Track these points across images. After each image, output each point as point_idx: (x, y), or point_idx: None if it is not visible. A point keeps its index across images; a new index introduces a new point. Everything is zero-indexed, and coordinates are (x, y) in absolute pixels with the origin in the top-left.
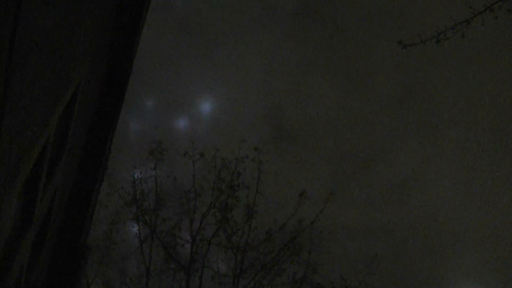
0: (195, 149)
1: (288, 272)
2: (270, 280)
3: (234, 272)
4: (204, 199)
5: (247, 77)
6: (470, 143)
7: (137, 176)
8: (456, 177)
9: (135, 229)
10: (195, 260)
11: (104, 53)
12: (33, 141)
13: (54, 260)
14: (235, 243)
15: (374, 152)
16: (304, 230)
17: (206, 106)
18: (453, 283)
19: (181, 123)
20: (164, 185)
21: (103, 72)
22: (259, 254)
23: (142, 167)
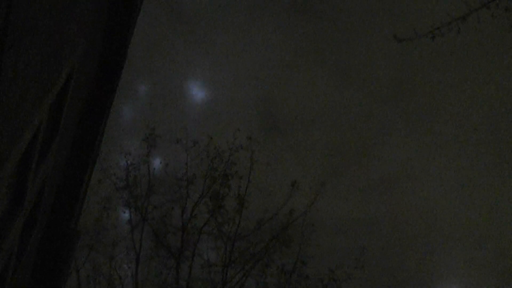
0: (188, 136)
1: (278, 263)
2: (259, 271)
3: (223, 261)
4: (196, 187)
5: (239, 67)
6: (461, 138)
7: (130, 162)
8: (446, 173)
9: (126, 215)
10: (185, 248)
11: (99, 38)
12: (25, 125)
13: (44, 243)
14: (225, 232)
15: (365, 145)
16: (295, 221)
17: (198, 95)
18: (440, 277)
19: (174, 111)
20: (157, 172)
21: (97, 58)
22: (249, 244)
23: (134, 153)
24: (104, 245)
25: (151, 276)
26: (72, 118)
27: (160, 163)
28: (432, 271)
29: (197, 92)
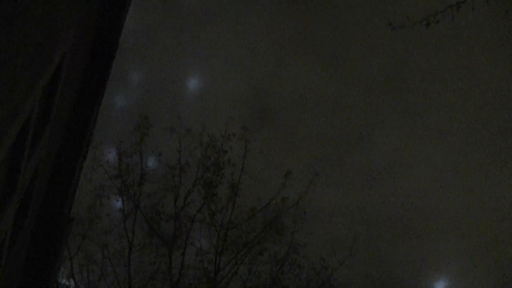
0: (181, 125)
1: (270, 251)
2: (252, 259)
3: (216, 249)
4: (189, 175)
5: (232, 57)
6: (452, 129)
7: (122, 150)
8: (437, 163)
9: (119, 203)
10: (178, 236)
11: (91, 25)
12: (17, 111)
13: (37, 231)
14: (218, 220)
15: (356, 135)
16: (288, 209)
17: (190, 85)
18: (430, 265)
19: (167, 100)
20: (149, 160)
21: (89, 45)
22: (242, 233)
23: (127, 141)
24: (97, 234)
25: (144, 264)
26: (64, 105)
27: (153, 151)
28: (422, 259)
29: (190, 82)
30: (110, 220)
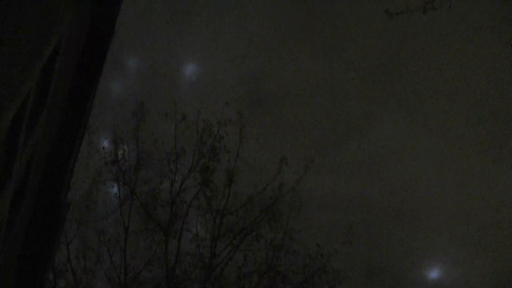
0: (177, 111)
1: (266, 237)
2: (248, 245)
3: (212, 235)
4: (185, 161)
5: (227, 45)
6: (449, 118)
7: (119, 136)
8: (433, 152)
9: (115, 189)
10: (174, 222)
11: (88, 9)
12: (13, 95)
13: (33, 217)
14: (214, 206)
15: (353, 123)
16: (284, 195)
17: (187, 71)
18: (424, 253)
19: (163, 86)
20: (145, 146)
21: (86, 29)
22: (238, 219)
23: (123, 127)
24: (93, 220)
25: (140, 250)
26: (61, 89)
27: (149, 137)
28: (416, 247)
29: (186, 69)
30: (107, 206)
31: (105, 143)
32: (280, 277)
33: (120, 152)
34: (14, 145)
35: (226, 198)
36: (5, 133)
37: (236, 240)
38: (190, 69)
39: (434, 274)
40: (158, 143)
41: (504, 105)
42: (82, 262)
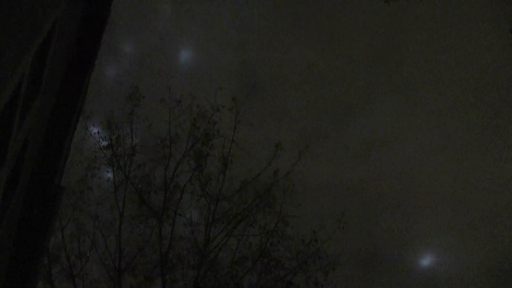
0: (171, 96)
1: (260, 223)
2: (242, 231)
3: (206, 220)
4: (180, 146)
5: (221, 31)
6: (443, 104)
7: (113, 121)
8: (428, 138)
9: (110, 174)
10: (168, 207)
11: None
12: (7, 78)
13: (28, 201)
14: (209, 192)
15: (347, 109)
16: (278, 181)
17: (181, 57)
18: (416, 239)
19: (157, 72)
20: (140, 131)
21: (81, 12)
22: (232, 205)
23: (118, 112)
24: (88, 204)
25: (135, 235)
26: (55, 73)
27: (143, 122)
28: (410, 233)
29: (181, 54)
30: (101, 191)
31: (100, 128)
32: (274, 262)
33: (114, 137)
34: (7, 130)
35: (221, 184)
36: None
37: (230, 225)
38: (185, 55)
39: (427, 260)
40: (152, 128)
41: (499, 91)
42: (76, 247)
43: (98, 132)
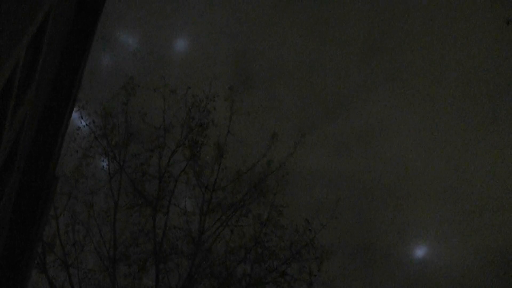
0: (166, 85)
1: (254, 212)
2: (236, 221)
3: (201, 210)
4: (174, 136)
5: (216, 22)
6: (438, 94)
7: (108, 110)
8: (421, 129)
9: (105, 163)
10: (162, 197)
11: None
12: (1, 64)
13: (22, 189)
14: (203, 182)
15: (342, 100)
16: (274, 171)
17: (176, 47)
18: (410, 229)
19: (152, 61)
20: (135, 120)
21: (75, 1)
22: (227, 194)
23: (113, 101)
24: (82, 194)
25: (129, 224)
26: (50, 60)
27: (138, 112)
28: (403, 223)
29: (176, 44)
30: (96, 180)
31: (95, 117)
32: (267, 252)
33: (109, 127)
34: (1, 118)
35: (216, 173)
36: None
37: (225, 215)
38: (180, 45)
39: (421, 249)
40: (147, 118)
41: (493, 80)
42: (71, 236)
43: (93, 121)
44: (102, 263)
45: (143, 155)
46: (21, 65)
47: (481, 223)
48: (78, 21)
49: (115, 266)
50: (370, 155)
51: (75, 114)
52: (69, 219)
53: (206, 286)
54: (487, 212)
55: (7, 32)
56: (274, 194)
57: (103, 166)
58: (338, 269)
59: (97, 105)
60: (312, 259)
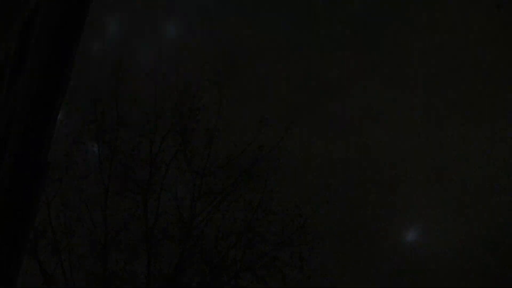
0: (156, 71)
1: (245, 198)
2: (227, 206)
3: (192, 196)
4: (165, 122)
5: (205, 7)
6: (430, 78)
7: (98, 95)
8: (413, 113)
9: (95, 149)
10: (153, 182)
11: None
12: None
13: (13, 176)
14: (194, 167)
15: (335, 85)
16: (263, 157)
17: (167, 32)
18: (402, 214)
19: (142, 46)
20: (125, 105)
21: None
22: (218, 180)
23: (103, 87)
24: (73, 179)
25: (120, 210)
26: (41, 47)
27: (129, 96)
28: (395, 207)
29: (166, 29)
30: (87, 166)
31: (85, 101)
32: (258, 237)
33: (99, 111)
34: None
35: (206, 159)
36: None
37: (216, 201)
38: (170, 30)
39: (412, 234)
40: (137, 103)
41: (482, 67)
42: (63, 222)
43: (84, 107)
44: (93, 248)
45: (133, 141)
46: (11, 52)
47: (475, 206)
48: (69, 7)
49: (105, 252)
50: (360, 141)
51: (65, 99)
52: (60, 205)
53: (197, 272)
54: (481, 195)
55: None
56: (266, 180)
57: (94, 152)
58: (330, 254)
59: (87, 90)
60: (303, 244)
